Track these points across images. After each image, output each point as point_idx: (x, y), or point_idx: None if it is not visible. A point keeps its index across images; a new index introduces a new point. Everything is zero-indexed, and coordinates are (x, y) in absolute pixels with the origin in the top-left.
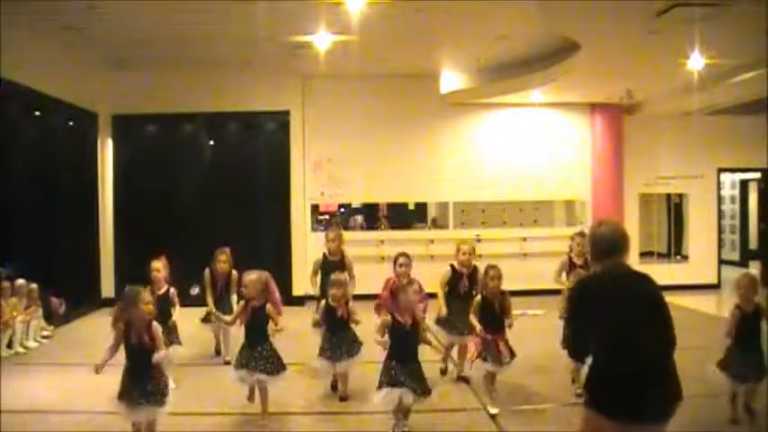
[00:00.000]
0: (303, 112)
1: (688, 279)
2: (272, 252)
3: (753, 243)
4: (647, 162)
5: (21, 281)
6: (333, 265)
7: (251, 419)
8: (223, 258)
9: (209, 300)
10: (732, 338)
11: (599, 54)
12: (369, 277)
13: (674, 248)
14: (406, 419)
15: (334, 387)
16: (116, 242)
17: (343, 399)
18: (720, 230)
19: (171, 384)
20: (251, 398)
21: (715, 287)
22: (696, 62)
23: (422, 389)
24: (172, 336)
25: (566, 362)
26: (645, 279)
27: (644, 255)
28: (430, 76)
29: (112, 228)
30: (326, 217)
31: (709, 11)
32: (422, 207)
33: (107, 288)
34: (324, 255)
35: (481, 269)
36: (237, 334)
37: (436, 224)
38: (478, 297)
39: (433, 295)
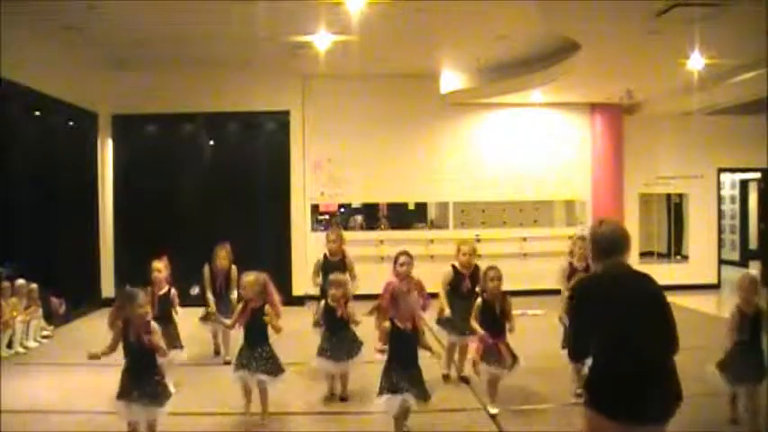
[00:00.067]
0: (303, 112)
1: (688, 279)
2: (272, 252)
3: (753, 243)
4: (647, 162)
5: (21, 281)
6: (334, 266)
7: (251, 420)
8: (223, 254)
9: (209, 299)
10: (732, 339)
11: (599, 54)
12: (369, 277)
13: (674, 248)
14: (405, 420)
15: (332, 394)
16: (116, 242)
17: (344, 399)
18: (720, 230)
19: (172, 389)
20: (248, 400)
21: (715, 287)
22: (696, 62)
23: (422, 394)
24: (174, 340)
25: (566, 362)
26: (646, 279)
27: (644, 255)
28: (430, 76)
29: (112, 228)
30: (326, 217)
31: (709, 11)
32: (422, 207)
33: (107, 288)
34: (325, 255)
35: (482, 269)
36: (236, 333)
37: (434, 225)
38: (479, 300)
39: (434, 295)
